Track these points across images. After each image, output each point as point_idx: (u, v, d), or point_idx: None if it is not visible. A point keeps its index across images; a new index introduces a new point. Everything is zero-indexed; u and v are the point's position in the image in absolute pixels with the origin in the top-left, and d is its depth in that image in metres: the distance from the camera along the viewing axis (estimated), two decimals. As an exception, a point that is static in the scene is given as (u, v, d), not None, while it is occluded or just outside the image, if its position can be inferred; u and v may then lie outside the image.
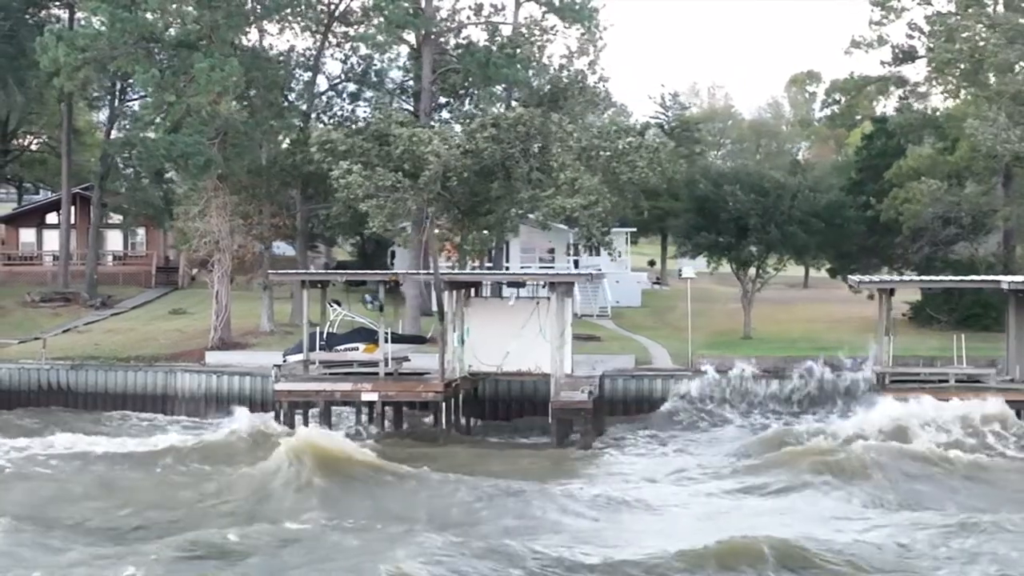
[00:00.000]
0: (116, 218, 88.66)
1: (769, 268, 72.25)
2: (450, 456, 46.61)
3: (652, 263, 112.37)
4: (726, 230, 69.56)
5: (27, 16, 73.74)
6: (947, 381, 52.93)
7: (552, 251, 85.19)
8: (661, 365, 63.73)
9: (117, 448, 47.46)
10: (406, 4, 66.56)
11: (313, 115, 65.17)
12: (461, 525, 36.07)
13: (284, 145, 68.67)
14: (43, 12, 76.24)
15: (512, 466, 45.00)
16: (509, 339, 53.56)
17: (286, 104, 67.24)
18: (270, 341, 66.23)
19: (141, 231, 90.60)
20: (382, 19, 64.46)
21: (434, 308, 52.57)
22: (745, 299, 71.20)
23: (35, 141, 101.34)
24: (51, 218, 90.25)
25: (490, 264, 79.56)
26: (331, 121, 69.39)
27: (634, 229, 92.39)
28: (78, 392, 62.78)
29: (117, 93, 77.63)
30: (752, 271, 71.41)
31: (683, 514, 38.72)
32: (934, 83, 70.41)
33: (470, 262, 68.68)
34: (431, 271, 50.37)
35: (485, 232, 65.16)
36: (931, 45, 69.25)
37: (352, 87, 71.82)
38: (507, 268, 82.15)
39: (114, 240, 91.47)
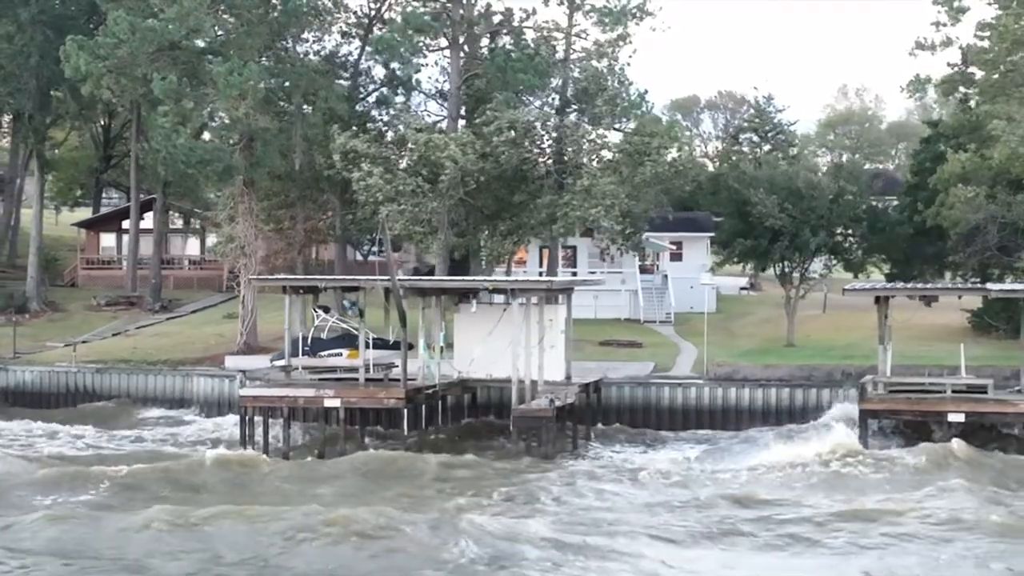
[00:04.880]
0: (195, 224, 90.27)
1: (815, 274, 70.49)
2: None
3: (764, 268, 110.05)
4: (761, 235, 67.84)
5: (86, 25, 74.97)
6: (944, 391, 51.24)
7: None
8: (679, 372, 62.64)
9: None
10: (437, 4, 66.57)
11: (339, 123, 64.85)
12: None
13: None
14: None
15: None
16: (485, 345, 52.99)
17: (315, 109, 66.96)
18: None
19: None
20: (401, 23, 64.16)
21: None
22: (788, 306, 69.41)
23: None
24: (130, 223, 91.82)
25: (542, 270, 79.06)
26: (369, 128, 69.07)
27: (713, 234, 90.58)
28: (102, 394, 63.97)
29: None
30: (795, 277, 69.66)
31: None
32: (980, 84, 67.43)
33: (498, 268, 68.23)
34: (390, 277, 49.82)
35: (505, 237, 64.50)
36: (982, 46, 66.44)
37: (385, 92, 71.29)
38: (575, 274, 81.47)
39: (192, 245, 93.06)
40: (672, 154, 65.34)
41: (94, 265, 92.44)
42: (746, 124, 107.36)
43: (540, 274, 77.72)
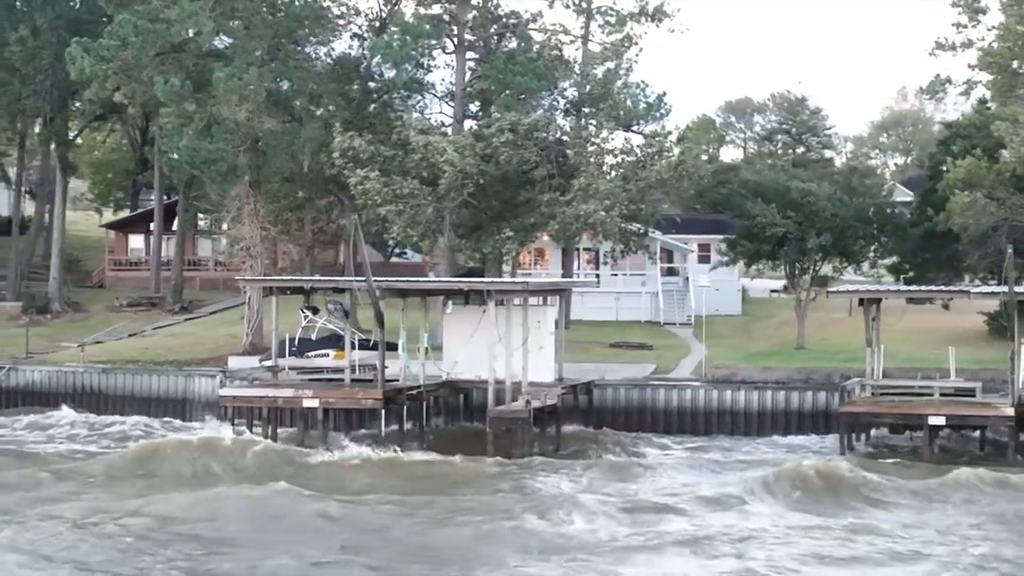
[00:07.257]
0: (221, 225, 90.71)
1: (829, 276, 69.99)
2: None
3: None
4: (764, 239, 67.38)
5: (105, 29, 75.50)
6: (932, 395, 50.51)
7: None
8: (680, 375, 62.18)
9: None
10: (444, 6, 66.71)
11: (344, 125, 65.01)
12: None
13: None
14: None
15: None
16: (470, 347, 52.87)
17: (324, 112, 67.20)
18: (300, 347, 66.63)
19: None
20: (400, 28, 64.29)
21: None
22: (799, 309, 68.79)
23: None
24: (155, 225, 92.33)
25: (563, 272, 78.90)
26: (379, 129, 69.11)
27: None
28: (107, 394, 64.27)
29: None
30: (805, 280, 69.11)
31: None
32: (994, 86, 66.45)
33: (504, 268, 68.14)
34: (365, 278, 49.77)
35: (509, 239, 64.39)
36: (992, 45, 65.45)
37: (393, 94, 71.28)
38: (598, 276, 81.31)
39: (218, 246, 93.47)
40: (676, 156, 64.80)
41: (121, 266, 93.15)
42: (778, 126, 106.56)
43: (562, 275, 77.67)
